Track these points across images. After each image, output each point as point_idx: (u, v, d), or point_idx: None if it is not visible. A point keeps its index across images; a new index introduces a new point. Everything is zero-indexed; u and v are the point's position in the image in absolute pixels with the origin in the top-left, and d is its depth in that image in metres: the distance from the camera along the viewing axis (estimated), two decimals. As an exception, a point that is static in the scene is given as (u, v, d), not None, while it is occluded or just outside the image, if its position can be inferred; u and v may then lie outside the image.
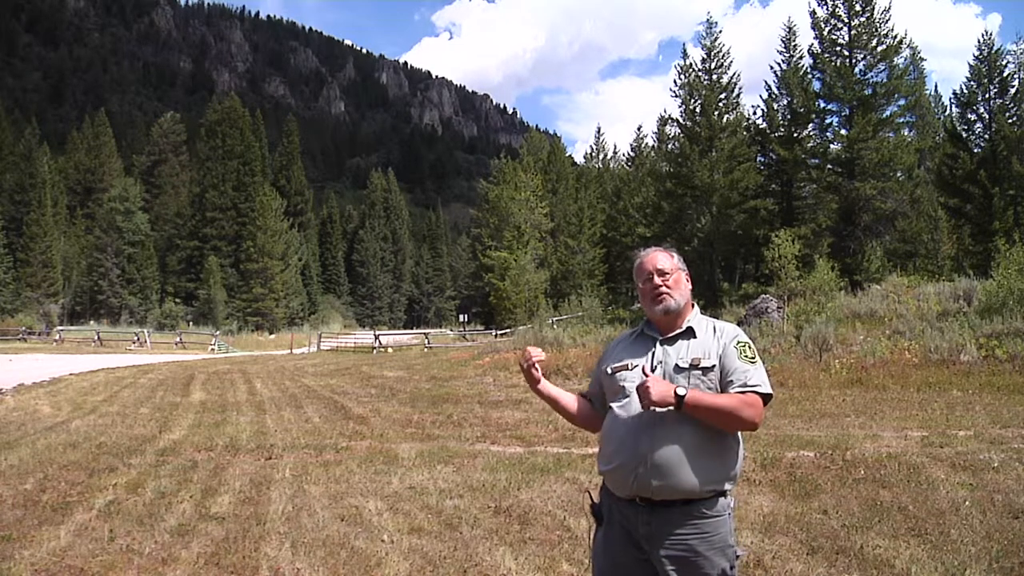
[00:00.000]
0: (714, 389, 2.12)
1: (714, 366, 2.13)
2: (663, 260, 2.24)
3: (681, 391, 2.03)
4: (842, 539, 4.23)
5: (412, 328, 66.61)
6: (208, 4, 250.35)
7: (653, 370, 2.16)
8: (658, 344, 2.21)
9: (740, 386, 2.09)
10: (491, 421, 9.29)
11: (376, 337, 32.03)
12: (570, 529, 4.54)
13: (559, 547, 4.24)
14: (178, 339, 36.78)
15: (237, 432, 8.55)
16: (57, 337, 35.50)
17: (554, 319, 26.45)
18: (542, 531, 4.57)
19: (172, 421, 9.47)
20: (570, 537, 4.39)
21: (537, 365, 2.30)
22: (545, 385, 2.34)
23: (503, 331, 35.06)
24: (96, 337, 36.03)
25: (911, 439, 7.04)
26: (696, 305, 2.30)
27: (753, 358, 2.15)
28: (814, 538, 4.27)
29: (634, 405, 2.13)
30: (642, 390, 2.04)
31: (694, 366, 2.13)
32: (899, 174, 27.91)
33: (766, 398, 2.10)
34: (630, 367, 2.20)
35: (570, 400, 2.39)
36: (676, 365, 2.14)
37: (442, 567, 3.97)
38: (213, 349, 34.27)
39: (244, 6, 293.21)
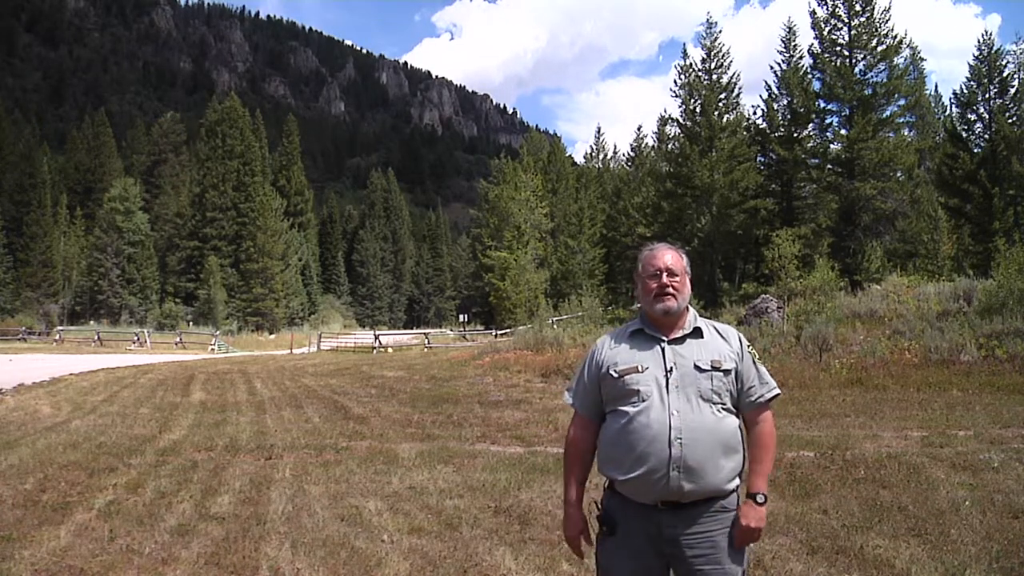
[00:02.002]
0: (730, 391, 2.15)
1: (730, 370, 2.15)
2: (674, 260, 2.22)
3: (760, 499, 2.14)
4: (842, 539, 4.23)
5: (412, 328, 66.56)
6: (208, 4, 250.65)
7: (669, 371, 2.12)
8: (666, 345, 2.17)
9: (757, 398, 2.19)
10: (491, 421, 9.28)
11: (376, 337, 32.01)
12: (570, 529, 4.53)
13: (559, 547, 4.24)
14: (178, 339, 36.76)
15: (237, 432, 8.54)
16: (57, 337, 35.48)
17: (554, 319, 26.42)
18: (542, 531, 4.57)
19: (172, 421, 9.47)
20: (570, 537, 4.39)
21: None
22: (578, 513, 2.30)
23: (503, 331, 35.07)
24: (96, 337, 36.01)
25: (911, 439, 7.04)
26: (691, 307, 2.29)
27: (759, 358, 2.26)
28: (814, 538, 4.27)
29: (654, 410, 2.08)
30: (749, 534, 2.12)
31: (715, 368, 2.13)
32: (899, 174, 27.90)
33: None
34: (640, 369, 2.14)
35: (581, 472, 2.32)
36: (696, 365, 2.13)
37: (442, 567, 3.97)
38: (213, 349, 34.25)
39: (244, 6, 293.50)
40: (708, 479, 2.06)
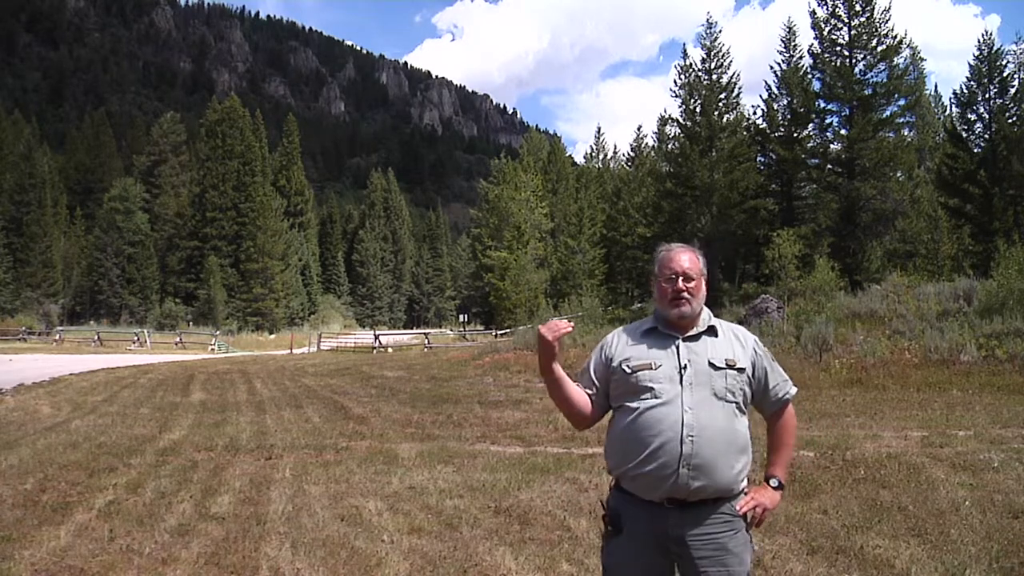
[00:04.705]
0: (744, 391, 2.17)
1: (744, 369, 2.17)
2: (691, 263, 2.19)
3: (774, 483, 2.23)
4: (842, 539, 4.24)
5: (412, 328, 66.66)
6: (208, 4, 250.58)
7: (684, 368, 2.11)
8: (681, 342, 2.17)
9: (784, 395, 2.26)
10: (491, 421, 9.28)
11: (376, 337, 32.02)
12: (570, 529, 4.54)
13: (559, 547, 4.24)
14: (178, 339, 36.76)
15: (237, 432, 8.54)
16: (57, 337, 35.48)
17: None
18: (542, 531, 4.56)
19: (172, 421, 9.47)
20: (570, 537, 4.39)
21: (560, 339, 2.22)
22: (558, 365, 2.23)
23: (503, 331, 35.05)
24: (96, 337, 36.00)
25: (911, 439, 7.05)
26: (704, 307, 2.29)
27: (773, 358, 2.29)
28: (814, 538, 4.27)
29: (668, 406, 2.07)
30: (759, 510, 2.16)
31: (730, 366, 2.14)
32: (899, 174, 27.92)
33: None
34: (653, 366, 2.13)
35: (575, 388, 2.26)
36: (709, 362, 2.13)
37: (442, 567, 3.97)
38: (213, 349, 34.26)
39: (244, 6, 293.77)
40: (717, 478, 2.05)
